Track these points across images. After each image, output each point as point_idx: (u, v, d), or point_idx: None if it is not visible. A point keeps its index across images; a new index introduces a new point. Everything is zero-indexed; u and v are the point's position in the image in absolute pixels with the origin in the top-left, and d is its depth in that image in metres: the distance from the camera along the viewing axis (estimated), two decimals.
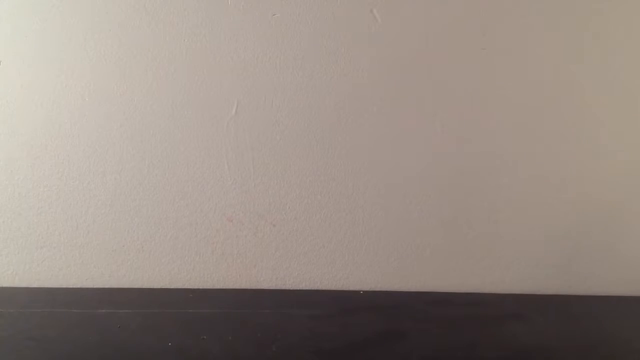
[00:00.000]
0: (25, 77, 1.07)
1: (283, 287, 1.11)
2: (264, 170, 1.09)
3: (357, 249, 1.11)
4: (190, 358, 0.78)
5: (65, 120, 1.08)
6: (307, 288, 1.11)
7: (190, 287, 1.09)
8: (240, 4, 1.05)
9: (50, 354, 0.81)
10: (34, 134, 1.08)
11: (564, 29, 1.05)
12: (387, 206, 1.10)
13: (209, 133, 1.09)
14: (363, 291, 1.11)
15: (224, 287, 1.10)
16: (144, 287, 1.11)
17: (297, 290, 1.10)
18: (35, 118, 1.08)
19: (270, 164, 1.09)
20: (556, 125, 1.07)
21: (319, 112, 1.08)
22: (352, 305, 1.03)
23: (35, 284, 1.09)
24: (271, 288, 1.11)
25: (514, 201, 1.09)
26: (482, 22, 1.06)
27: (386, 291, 1.11)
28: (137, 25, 1.06)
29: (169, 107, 1.08)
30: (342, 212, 1.10)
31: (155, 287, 1.10)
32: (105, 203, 1.10)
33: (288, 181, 1.10)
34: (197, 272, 1.11)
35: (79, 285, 1.10)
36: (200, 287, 1.07)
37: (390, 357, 0.82)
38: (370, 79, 1.08)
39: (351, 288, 1.11)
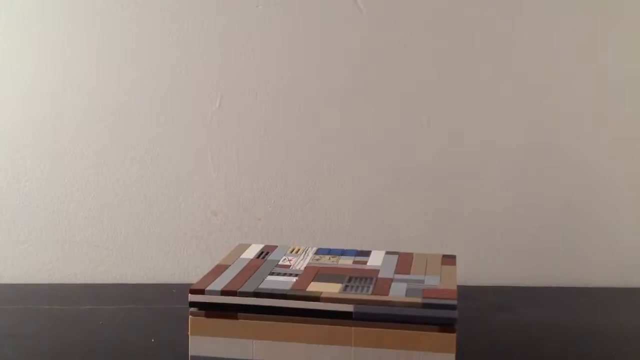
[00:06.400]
0: (3, 71, 1.06)
1: None
2: (248, 163, 1.09)
3: (342, 244, 1.10)
4: (175, 354, 0.77)
5: (46, 113, 1.07)
6: None
7: (175, 282, 1.08)
8: None
9: (32, 351, 0.80)
10: (14, 128, 1.07)
11: (556, 23, 1.05)
12: (372, 199, 1.09)
13: (192, 126, 1.08)
14: None
15: None
16: (127, 282, 1.10)
17: None
18: (15, 112, 1.06)
19: (254, 157, 1.09)
20: (545, 117, 1.07)
21: (303, 104, 1.08)
22: None
23: (16, 280, 1.08)
24: None
25: (501, 192, 1.09)
26: (469, 14, 1.05)
27: None
28: (118, 17, 1.05)
29: (151, 100, 1.07)
30: (327, 206, 1.10)
31: (139, 282, 1.09)
32: (87, 198, 1.08)
33: (273, 175, 1.09)
34: (181, 267, 1.10)
35: (61, 281, 1.09)
36: (185, 282, 1.06)
37: None
38: (355, 71, 1.07)
39: None
